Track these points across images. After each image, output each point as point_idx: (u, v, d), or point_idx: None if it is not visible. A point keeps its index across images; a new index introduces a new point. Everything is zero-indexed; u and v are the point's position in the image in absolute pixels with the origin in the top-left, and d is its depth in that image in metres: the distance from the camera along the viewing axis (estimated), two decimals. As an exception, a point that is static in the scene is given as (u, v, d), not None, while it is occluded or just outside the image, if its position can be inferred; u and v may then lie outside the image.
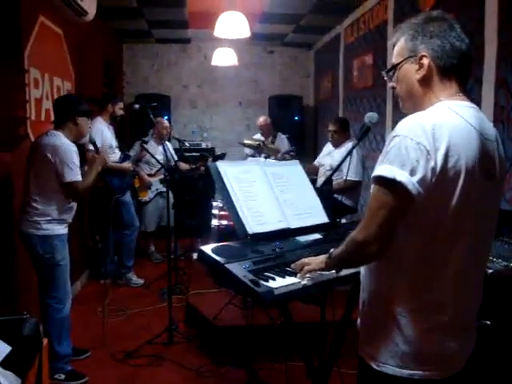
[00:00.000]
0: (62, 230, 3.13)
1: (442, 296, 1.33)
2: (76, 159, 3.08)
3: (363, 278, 1.49)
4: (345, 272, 1.73)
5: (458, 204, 1.28)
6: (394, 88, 1.50)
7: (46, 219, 3.02)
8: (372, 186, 1.33)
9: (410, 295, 1.34)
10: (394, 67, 1.46)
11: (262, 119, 6.26)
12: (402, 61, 1.43)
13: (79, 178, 3.08)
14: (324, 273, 1.69)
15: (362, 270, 1.50)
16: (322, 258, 1.64)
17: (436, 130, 1.26)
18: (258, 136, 6.21)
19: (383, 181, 1.28)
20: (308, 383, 2.31)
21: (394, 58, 1.48)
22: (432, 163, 1.24)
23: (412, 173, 1.24)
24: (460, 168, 1.27)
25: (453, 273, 1.33)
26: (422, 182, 1.24)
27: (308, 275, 1.71)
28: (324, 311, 2.41)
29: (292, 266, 1.79)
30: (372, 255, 1.33)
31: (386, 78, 1.53)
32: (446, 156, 1.25)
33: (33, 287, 3.32)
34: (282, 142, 6.21)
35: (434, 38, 1.37)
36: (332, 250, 1.56)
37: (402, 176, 1.24)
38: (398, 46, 1.45)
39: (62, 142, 3.05)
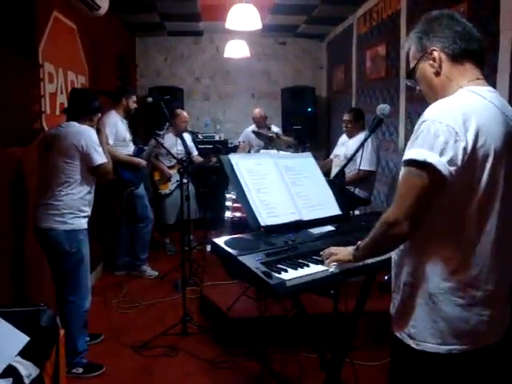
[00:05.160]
0: (85, 224, 3.17)
1: (475, 272, 1.38)
2: (99, 142, 3.16)
3: (396, 261, 1.52)
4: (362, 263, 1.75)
5: (488, 183, 1.34)
6: (420, 91, 1.56)
7: (73, 212, 3.05)
8: (402, 169, 1.38)
9: (444, 273, 1.38)
10: (412, 71, 1.54)
11: (257, 111, 6.33)
12: (417, 62, 1.51)
13: (106, 159, 3.16)
14: None
15: (394, 254, 1.53)
16: (350, 249, 1.68)
17: (464, 112, 1.32)
18: (253, 127, 6.26)
19: (414, 163, 1.33)
20: (321, 375, 2.33)
21: (410, 63, 1.56)
22: (463, 143, 1.29)
23: (441, 154, 1.29)
24: (489, 147, 1.33)
25: (485, 250, 1.38)
26: (451, 162, 1.29)
27: (335, 264, 1.75)
28: (337, 303, 2.42)
29: (321, 253, 1.84)
30: (401, 235, 1.37)
31: (409, 84, 1.60)
32: (476, 136, 1.31)
33: (44, 281, 3.37)
34: None
35: (438, 33, 1.45)
36: (359, 242, 1.60)
37: (432, 158, 1.29)
38: (411, 51, 1.54)
39: (84, 127, 3.12)
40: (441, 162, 1.28)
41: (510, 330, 1.49)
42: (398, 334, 1.50)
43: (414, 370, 1.47)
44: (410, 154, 1.34)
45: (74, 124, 3.13)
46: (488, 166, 1.33)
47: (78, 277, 3.12)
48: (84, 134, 3.07)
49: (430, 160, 1.29)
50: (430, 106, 1.37)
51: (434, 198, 1.33)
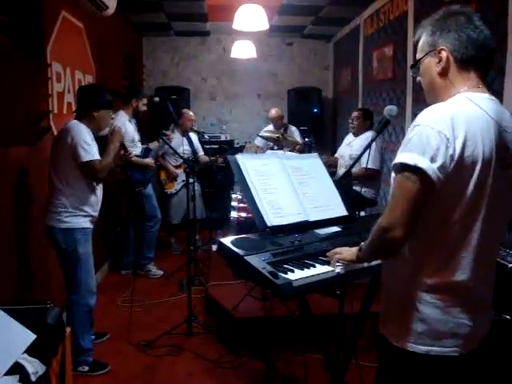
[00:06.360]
0: (85, 223, 3.13)
1: (457, 277, 1.39)
2: (89, 139, 3.07)
3: (384, 261, 1.57)
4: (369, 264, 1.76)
5: (474, 191, 1.34)
6: (420, 82, 1.56)
7: (68, 211, 3.04)
8: (393, 173, 1.39)
9: (425, 275, 1.40)
10: (417, 62, 1.53)
11: (274, 111, 6.32)
12: (424, 55, 1.50)
13: (96, 157, 3.07)
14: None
15: None
16: (355, 250, 1.69)
17: (455, 119, 1.32)
18: (271, 127, 6.26)
19: (405, 168, 1.33)
20: (326, 375, 2.33)
21: (417, 53, 1.54)
22: (451, 151, 1.30)
23: (432, 160, 1.29)
24: (477, 157, 1.33)
25: (467, 256, 1.39)
26: (441, 168, 1.30)
27: (339, 264, 1.76)
28: (342, 304, 2.41)
29: (327, 253, 1.85)
30: (396, 240, 1.36)
31: (411, 74, 1.61)
32: (464, 145, 1.31)
33: (51, 279, 3.37)
34: (293, 133, 6.24)
35: (452, 32, 1.43)
36: (362, 243, 1.60)
37: (423, 163, 1.29)
38: (420, 42, 1.52)
39: (75, 124, 3.08)
40: (431, 168, 1.28)
41: (488, 338, 1.50)
42: (382, 331, 1.53)
43: (396, 367, 1.50)
44: (401, 157, 1.34)
45: (71, 121, 3.12)
46: (474, 176, 1.33)
47: (76, 276, 3.12)
48: (73, 129, 3.03)
49: (420, 165, 1.29)
50: (424, 111, 1.37)
51: (425, 202, 1.33)
